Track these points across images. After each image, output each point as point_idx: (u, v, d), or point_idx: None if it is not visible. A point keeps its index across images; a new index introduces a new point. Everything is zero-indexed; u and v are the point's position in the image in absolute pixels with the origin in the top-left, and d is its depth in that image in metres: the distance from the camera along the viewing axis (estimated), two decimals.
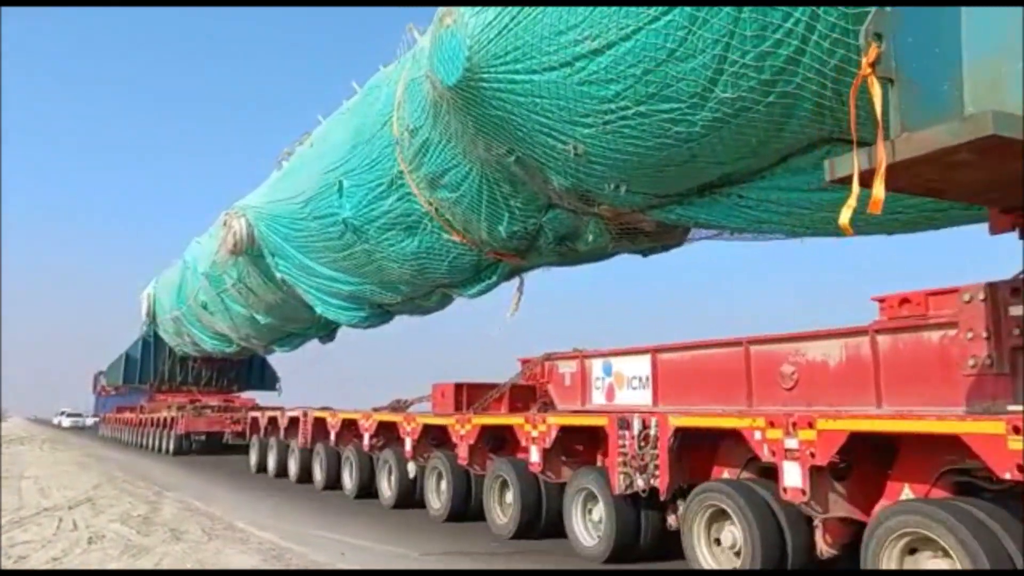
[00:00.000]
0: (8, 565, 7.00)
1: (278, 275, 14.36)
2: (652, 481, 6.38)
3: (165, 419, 23.01)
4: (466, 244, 9.69)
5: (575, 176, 6.87)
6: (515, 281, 10.56)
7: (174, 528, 9.08)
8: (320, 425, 14.31)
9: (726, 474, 6.43)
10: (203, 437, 22.02)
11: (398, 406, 12.04)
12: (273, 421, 16.59)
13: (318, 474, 14.29)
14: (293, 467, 15.44)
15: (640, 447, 6.32)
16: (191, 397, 26.28)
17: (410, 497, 11.27)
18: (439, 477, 10.46)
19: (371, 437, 12.21)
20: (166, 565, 7.12)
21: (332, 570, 7.09)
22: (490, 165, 7.78)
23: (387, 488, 11.80)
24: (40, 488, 13.63)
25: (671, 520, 6.82)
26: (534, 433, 8.26)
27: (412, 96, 8.64)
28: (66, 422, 70.95)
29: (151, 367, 27.85)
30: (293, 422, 15.45)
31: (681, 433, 6.35)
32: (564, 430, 7.96)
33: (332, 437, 13.63)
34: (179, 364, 27.76)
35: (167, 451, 22.38)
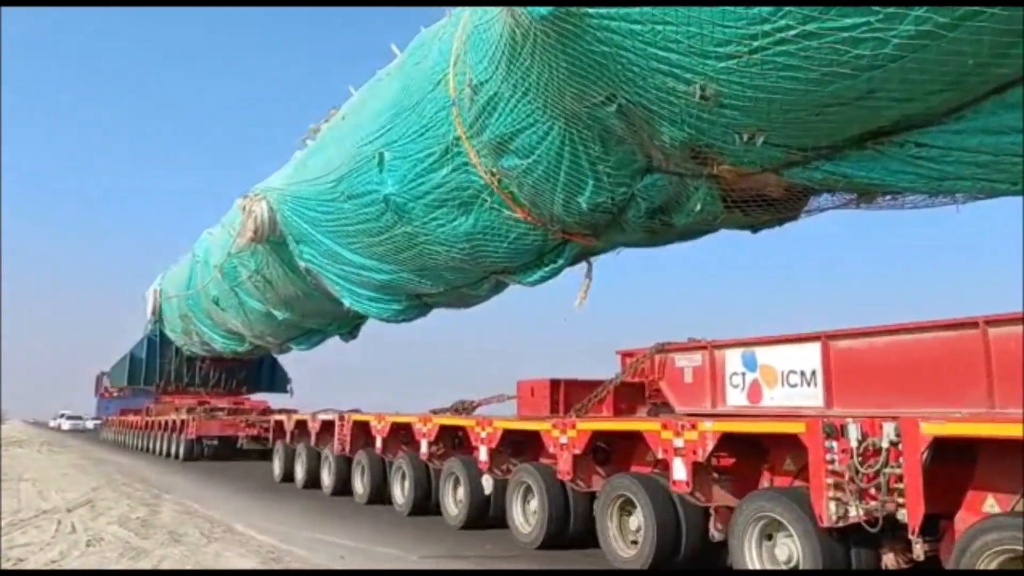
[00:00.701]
0: (6, 567, 6.99)
1: (302, 264, 13.11)
2: (889, 509, 4.87)
3: (174, 422, 21.64)
4: (531, 222, 8.43)
5: (695, 126, 5.62)
6: (581, 266, 9.30)
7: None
8: (362, 430, 12.73)
9: (991, 502, 4.95)
10: (215, 441, 20.72)
11: (463, 407, 10.39)
12: (302, 425, 14.97)
13: (360, 486, 12.59)
14: (327, 477, 13.69)
15: (859, 464, 4.82)
16: (199, 399, 25.01)
17: (484, 516, 9.65)
18: (527, 493, 8.84)
19: (430, 444, 10.65)
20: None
21: (332, 570, 7.14)
22: (578, 121, 6.53)
23: (452, 505, 10.20)
24: (39, 491, 13.38)
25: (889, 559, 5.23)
26: (678, 442, 6.50)
27: (476, 45, 7.38)
28: (66, 425, 69.30)
29: (156, 368, 26.59)
30: (327, 427, 13.85)
31: (935, 444, 4.79)
32: (725, 438, 6.21)
33: (379, 444, 12.01)
34: (186, 364, 26.52)
35: (176, 456, 21.03)
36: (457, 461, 10.06)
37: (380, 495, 12.02)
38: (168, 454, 21.95)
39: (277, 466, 15.71)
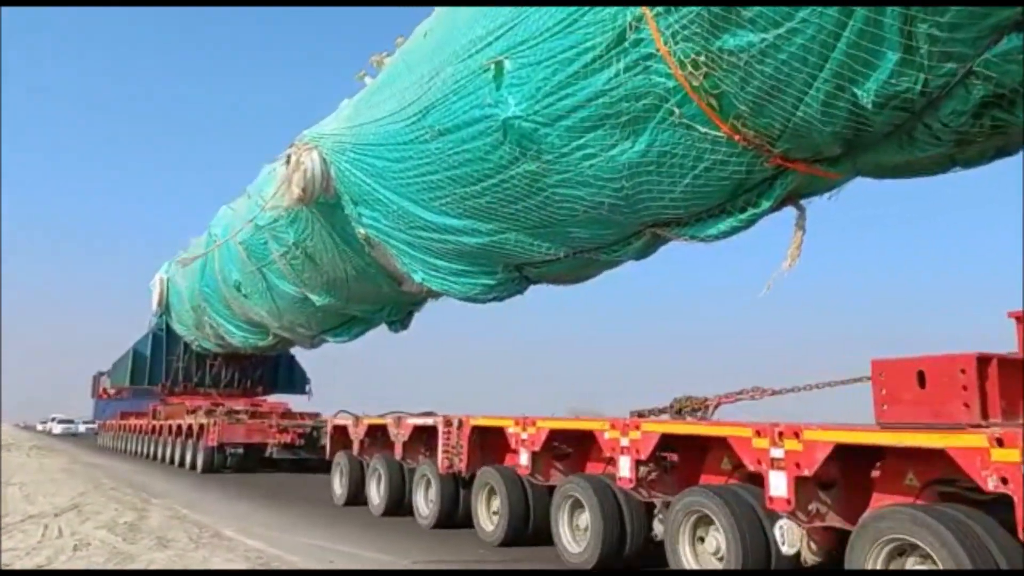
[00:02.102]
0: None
1: (360, 232, 10.55)
2: None
3: (189, 427, 18.83)
4: (738, 142, 5.88)
5: None
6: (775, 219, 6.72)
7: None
8: (488, 439, 9.34)
9: None
10: (240, 450, 17.75)
11: (689, 404, 6.67)
12: (378, 432, 11.72)
13: (486, 520, 9.07)
14: (426, 504, 10.26)
15: None
16: (212, 400, 22.33)
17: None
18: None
19: (638, 465, 6.88)
20: None
21: (331, 570, 7.25)
22: None
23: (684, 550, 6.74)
24: (26, 495, 13.23)
25: None
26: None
27: None
28: (57, 428, 66.51)
29: (163, 366, 23.88)
30: (420, 434, 10.65)
31: None
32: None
33: (524, 460, 8.43)
34: (196, 362, 23.85)
35: (192, 466, 18.23)
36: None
37: (520, 534, 8.57)
38: (181, 463, 19.12)
39: (339, 485, 12.38)
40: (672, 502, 6.56)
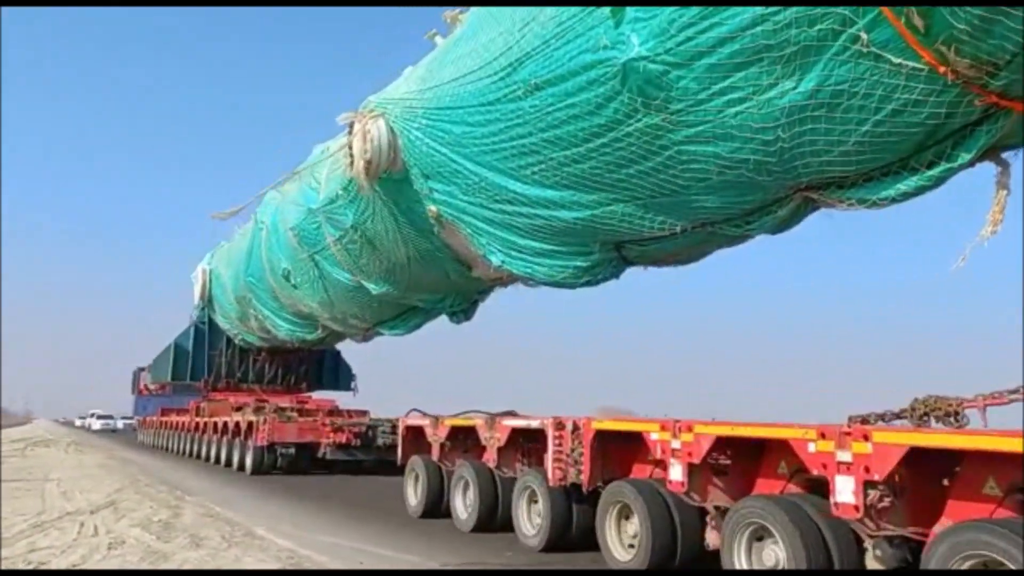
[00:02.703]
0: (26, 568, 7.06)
1: (431, 209, 9.44)
2: None
3: (236, 424, 17.80)
4: (941, 75, 4.66)
5: None
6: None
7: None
8: (624, 447, 7.62)
9: None
10: (291, 450, 16.51)
11: (939, 407, 4.99)
12: (462, 435, 10.29)
13: (618, 546, 7.34)
14: (527, 523, 8.72)
15: None
16: (256, 397, 21.44)
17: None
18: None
19: (866, 487, 5.15)
20: None
21: (330, 570, 7.25)
22: None
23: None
24: (63, 492, 13.19)
25: None
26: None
27: None
28: (96, 424, 66.58)
29: (204, 361, 23.05)
30: (519, 439, 9.16)
31: None
32: None
33: (679, 475, 6.56)
34: (239, 357, 22.99)
35: (241, 466, 17.19)
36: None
37: (666, 563, 6.88)
38: (228, 463, 18.18)
39: (413, 494, 11.00)
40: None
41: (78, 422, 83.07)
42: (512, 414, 9.29)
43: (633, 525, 6.60)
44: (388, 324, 14.58)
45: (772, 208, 6.36)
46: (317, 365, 23.72)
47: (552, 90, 6.74)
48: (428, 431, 10.63)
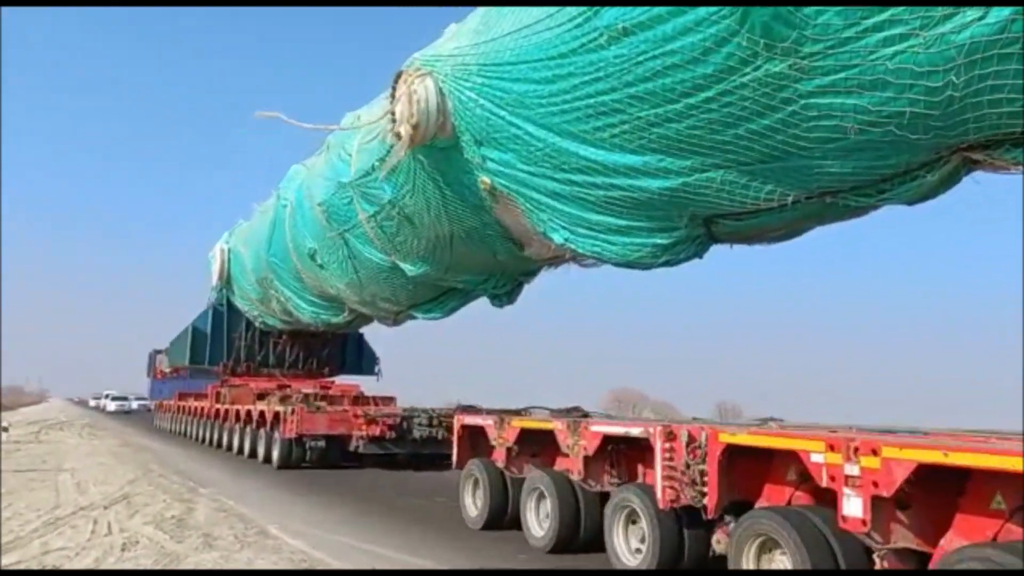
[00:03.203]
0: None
1: (484, 180, 8.43)
2: None
3: (261, 414, 16.71)
4: None
5: None
6: None
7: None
8: (760, 465, 6.25)
9: None
10: (322, 442, 15.20)
11: None
12: (534, 438, 8.75)
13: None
14: (625, 547, 7.29)
15: None
16: (278, 383, 20.58)
17: None
18: None
19: None
20: None
21: (330, 570, 7.29)
22: None
23: None
24: (77, 483, 13.12)
25: None
26: None
27: None
28: (111, 406, 64.88)
29: (223, 344, 22.18)
30: (611, 447, 7.75)
31: None
32: None
33: (858, 509, 5.08)
34: (258, 340, 22.12)
35: (267, 459, 16.08)
36: None
37: None
38: (252, 454, 17.14)
39: (473, 504, 9.57)
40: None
41: (92, 402, 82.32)
42: (578, 411, 8.32)
43: (779, 562, 5.46)
44: (423, 307, 13.60)
45: (918, 173, 5.30)
46: (340, 349, 22.83)
47: (644, 35, 5.71)
48: (491, 432, 9.16)
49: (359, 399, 20.04)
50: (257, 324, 21.23)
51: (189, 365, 22.61)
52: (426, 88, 8.15)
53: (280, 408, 15.01)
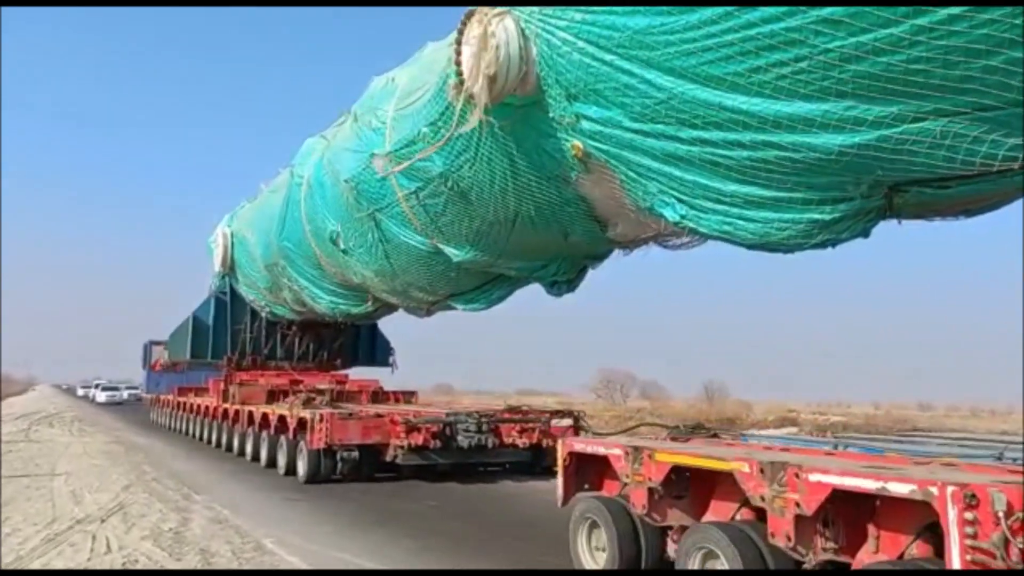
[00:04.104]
0: None
1: (574, 144, 6.85)
2: None
3: (282, 420, 14.57)
4: None
5: None
6: None
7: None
8: None
9: None
10: (355, 453, 12.96)
11: None
12: (692, 479, 6.40)
13: None
14: None
15: None
16: (289, 378, 18.97)
17: None
18: None
19: None
20: None
21: (331, 570, 7.54)
22: None
23: None
24: (72, 490, 12.84)
25: None
26: None
27: None
28: (101, 397, 60.93)
29: (227, 335, 20.54)
30: (839, 503, 5.12)
31: None
32: None
33: None
34: (265, 331, 20.50)
35: (290, 471, 13.87)
36: None
37: None
38: (271, 463, 15.01)
39: (590, 557, 7.16)
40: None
41: (80, 391, 79.32)
42: (703, 429, 6.74)
43: None
44: (464, 297, 12.03)
45: None
46: (353, 339, 21.23)
47: None
48: (619, 465, 6.65)
49: (379, 395, 18.46)
50: (264, 314, 19.61)
51: (191, 359, 20.94)
52: (506, 30, 6.56)
53: (306, 414, 13.39)
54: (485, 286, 11.57)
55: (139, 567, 7.83)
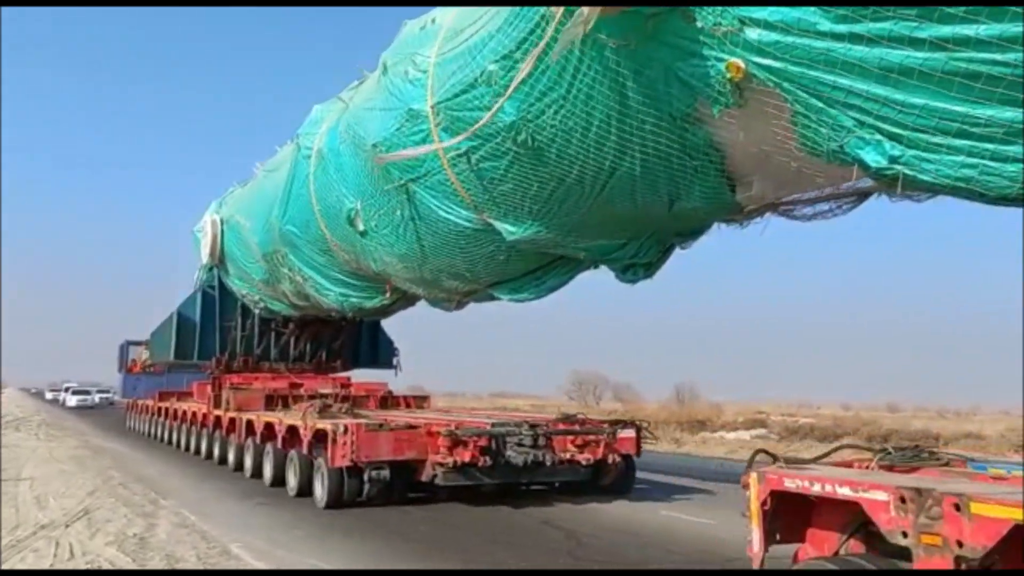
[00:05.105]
0: None
1: (736, 63, 5.02)
2: None
3: (292, 431, 12.26)
4: None
5: None
6: None
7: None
8: None
9: None
10: (385, 471, 10.61)
11: None
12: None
13: None
14: None
15: None
16: (288, 381, 16.98)
17: None
18: None
19: None
20: None
21: (330, 570, 7.54)
22: None
23: None
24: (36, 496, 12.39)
25: None
26: None
27: None
28: (71, 401, 57.89)
29: (215, 334, 18.50)
30: None
31: None
32: None
33: None
34: (258, 330, 18.50)
35: (303, 492, 11.59)
36: None
37: None
38: (277, 482, 12.62)
39: None
40: None
41: (49, 395, 75.95)
42: (919, 449, 4.91)
43: None
44: (510, 286, 10.12)
45: None
46: (354, 338, 19.27)
47: None
48: (888, 518, 4.18)
49: (388, 400, 16.50)
50: (256, 310, 17.61)
51: (175, 360, 18.84)
52: None
53: (326, 425, 10.97)
54: (538, 272, 9.70)
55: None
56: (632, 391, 71.55)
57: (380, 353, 19.84)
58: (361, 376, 19.39)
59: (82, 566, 7.91)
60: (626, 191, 6.90)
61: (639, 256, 8.43)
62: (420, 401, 16.94)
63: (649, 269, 8.72)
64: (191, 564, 7.93)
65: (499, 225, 8.59)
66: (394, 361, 19.94)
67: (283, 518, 10.23)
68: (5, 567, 7.91)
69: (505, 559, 8.34)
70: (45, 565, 7.88)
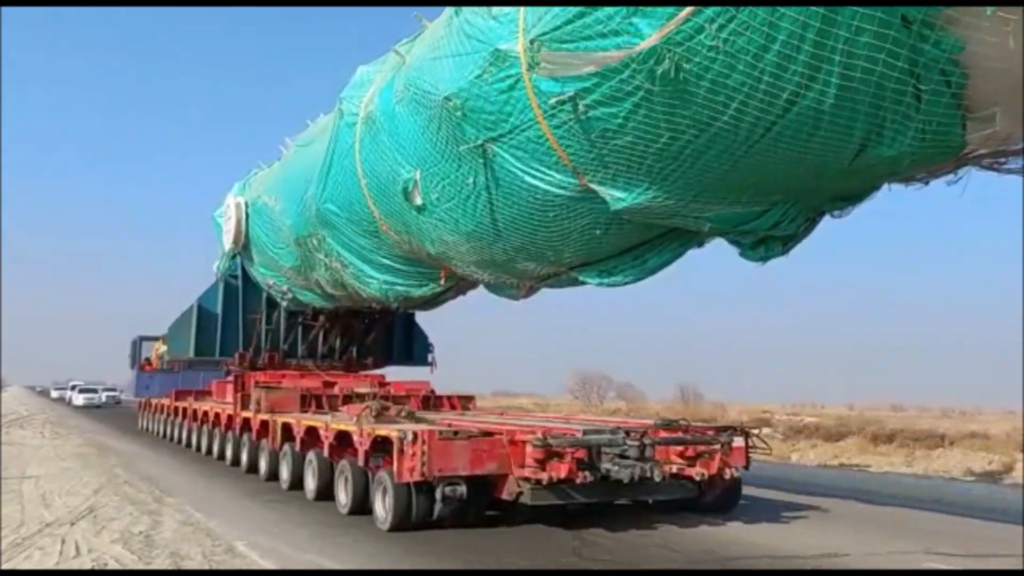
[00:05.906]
0: None
1: None
2: None
3: (344, 437, 10.33)
4: None
5: None
6: None
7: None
8: None
9: None
10: (462, 488, 8.61)
11: None
12: None
13: None
14: None
15: None
16: (320, 379, 15.45)
17: None
18: None
19: None
20: None
21: (330, 570, 7.28)
22: None
23: None
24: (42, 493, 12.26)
25: None
26: None
27: None
28: (79, 400, 56.20)
29: (238, 328, 16.99)
30: None
31: None
32: None
33: None
34: (285, 324, 16.99)
35: (359, 509, 9.68)
36: None
37: None
38: (324, 495, 10.67)
39: None
40: None
41: (55, 393, 74.36)
42: None
43: None
44: (602, 267, 8.54)
45: None
46: (387, 333, 17.74)
47: None
48: None
49: (430, 400, 14.94)
50: (284, 302, 16.10)
51: (196, 357, 17.34)
52: None
53: (390, 432, 8.95)
54: (640, 248, 8.15)
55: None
56: (635, 390, 70.29)
57: (415, 348, 18.32)
58: (394, 374, 17.93)
59: (88, 564, 7.82)
60: (800, 136, 5.38)
61: (780, 227, 6.89)
62: (466, 402, 15.39)
63: (787, 244, 7.20)
64: (196, 564, 7.67)
65: (604, 191, 7.09)
66: (430, 358, 18.44)
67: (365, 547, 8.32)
68: (12, 565, 7.80)
69: (508, 558, 7.57)
70: (51, 562, 7.83)
